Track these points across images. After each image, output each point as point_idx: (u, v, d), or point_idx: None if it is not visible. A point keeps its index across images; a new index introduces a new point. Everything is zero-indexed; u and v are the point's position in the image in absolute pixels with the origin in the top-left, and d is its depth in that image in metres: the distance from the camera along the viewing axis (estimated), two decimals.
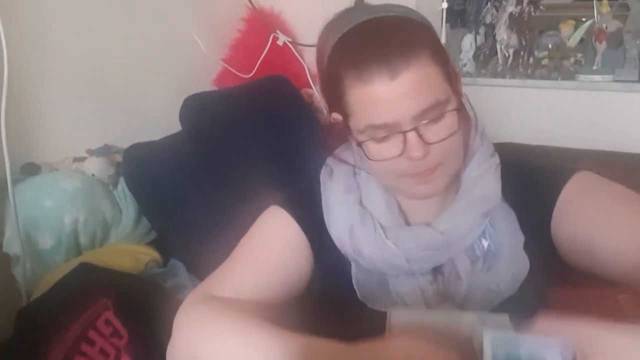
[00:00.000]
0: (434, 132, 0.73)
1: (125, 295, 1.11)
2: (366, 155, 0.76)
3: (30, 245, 1.18)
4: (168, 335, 0.76)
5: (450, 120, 0.74)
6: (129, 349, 1.04)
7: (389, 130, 0.73)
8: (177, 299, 1.22)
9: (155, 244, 1.39)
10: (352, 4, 1.87)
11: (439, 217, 0.82)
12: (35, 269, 1.19)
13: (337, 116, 0.81)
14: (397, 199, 0.85)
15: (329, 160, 0.90)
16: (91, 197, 1.28)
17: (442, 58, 0.74)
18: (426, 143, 0.72)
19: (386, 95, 0.70)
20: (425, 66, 0.71)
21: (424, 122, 0.72)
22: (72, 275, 1.10)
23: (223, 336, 0.71)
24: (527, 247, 0.83)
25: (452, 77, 0.76)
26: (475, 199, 0.82)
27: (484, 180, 0.83)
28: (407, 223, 0.84)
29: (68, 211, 1.22)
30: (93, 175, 1.34)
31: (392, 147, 0.74)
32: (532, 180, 0.85)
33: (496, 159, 0.85)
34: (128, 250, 1.30)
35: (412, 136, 0.72)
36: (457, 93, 0.77)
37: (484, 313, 0.71)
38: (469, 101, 0.79)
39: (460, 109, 0.76)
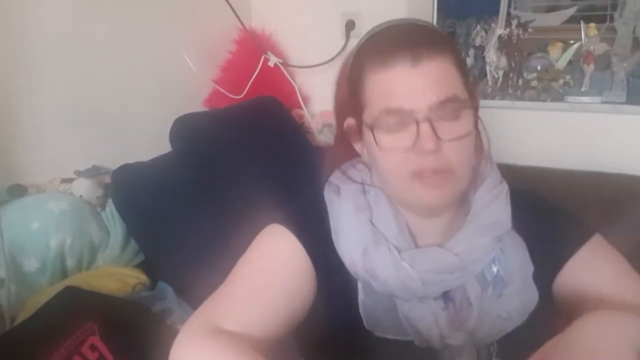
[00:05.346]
0: (448, 130, 0.73)
1: (111, 319, 1.08)
2: (376, 144, 0.75)
3: (15, 268, 1.16)
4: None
5: (466, 121, 0.74)
6: None
7: (403, 117, 0.72)
8: (165, 322, 1.20)
9: (143, 266, 1.37)
10: (343, 26, 1.90)
11: (453, 239, 0.81)
12: (20, 292, 1.16)
13: (350, 121, 0.81)
14: (406, 219, 0.83)
15: (333, 179, 0.88)
16: (78, 219, 1.26)
17: (464, 69, 0.77)
18: (439, 138, 0.72)
19: (406, 80, 0.72)
20: (447, 62, 0.73)
21: (440, 115, 0.72)
22: (58, 299, 1.08)
23: None
24: (535, 277, 0.83)
25: (471, 89, 0.78)
26: (487, 223, 0.81)
27: (495, 205, 0.83)
28: (416, 245, 0.82)
29: (54, 233, 1.20)
30: (81, 196, 1.32)
31: (404, 138, 0.73)
32: (550, 225, 0.87)
33: (505, 186, 0.86)
34: (115, 273, 1.28)
35: (425, 127, 0.72)
36: (475, 107, 0.78)
37: None
38: (483, 125, 0.79)
39: (477, 109, 0.77)
